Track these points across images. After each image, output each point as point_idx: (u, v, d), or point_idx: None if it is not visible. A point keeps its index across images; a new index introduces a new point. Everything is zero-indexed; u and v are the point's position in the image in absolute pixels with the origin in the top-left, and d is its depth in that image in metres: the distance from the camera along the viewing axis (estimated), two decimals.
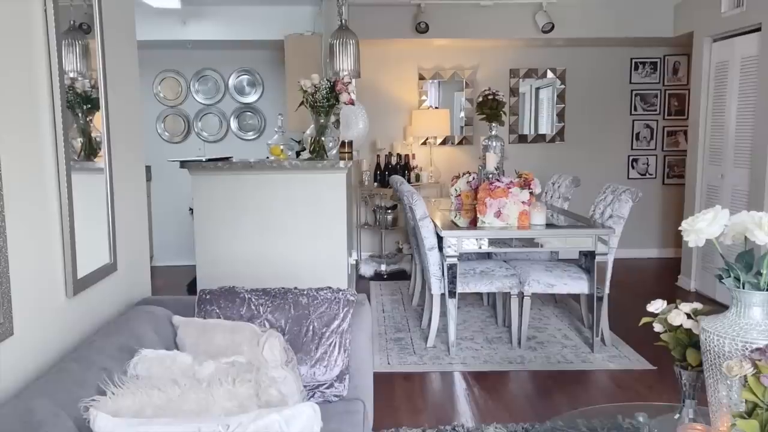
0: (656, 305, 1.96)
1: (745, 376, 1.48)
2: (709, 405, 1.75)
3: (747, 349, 1.58)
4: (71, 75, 2.14)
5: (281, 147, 4.18)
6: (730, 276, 1.68)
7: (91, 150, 2.33)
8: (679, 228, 1.81)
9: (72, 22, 2.16)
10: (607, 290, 4.22)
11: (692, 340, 1.86)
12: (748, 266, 1.66)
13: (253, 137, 6.99)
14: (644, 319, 1.99)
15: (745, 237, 1.68)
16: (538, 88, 7.15)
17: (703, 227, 1.70)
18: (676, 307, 1.91)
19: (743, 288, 1.65)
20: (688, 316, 1.87)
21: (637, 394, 3.60)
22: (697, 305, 1.90)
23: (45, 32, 1.96)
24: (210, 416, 1.67)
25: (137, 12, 2.88)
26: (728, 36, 5.39)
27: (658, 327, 1.95)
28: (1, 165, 1.68)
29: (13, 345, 1.75)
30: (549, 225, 4.21)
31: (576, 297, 4.92)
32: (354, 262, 5.49)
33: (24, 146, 1.84)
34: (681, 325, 1.87)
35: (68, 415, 1.58)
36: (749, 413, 1.45)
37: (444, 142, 7.03)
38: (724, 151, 5.42)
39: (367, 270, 6.54)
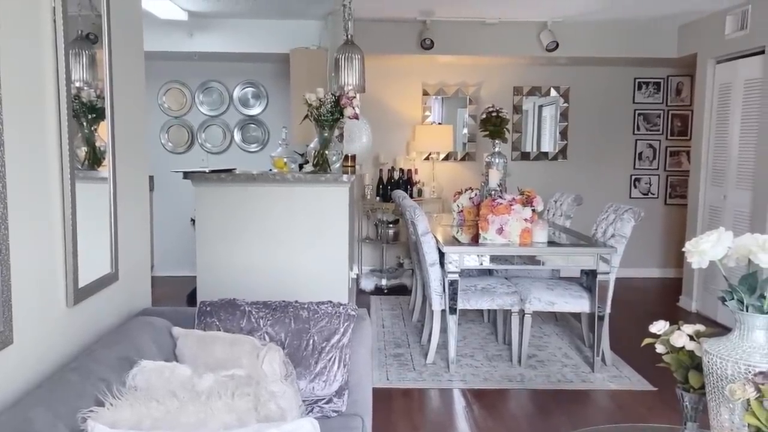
0: (658, 326, 1.95)
1: (748, 399, 1.47)
2: (711, 428, 1.73)
3: (750, 372, 1.57)
4: (77, 84, 2.15)
5: (284, 160, 4.20)
6: (733, 298, 1.67)
7: (95, 159, 2.33)
8: (683, 249, 1.80)
9: (80, 32, 2.17)
10: (608, 309, 4.20)
11: (694, 362, 1.85)
12: (752, 289, 1.65)
13: (256, 149, 7.00)
14: (646, 340, 1.97)
15: (749, 259, 1.68)
16: (541, 106, 7.17)
17: (707, 249, 1.69)
18: (679, 329, 1.90)
19: (747, 311, 1.64)
20: (691, 337, 1.86)
21: (638, 415, 3.58)
22: (700, 327, 1.89)
23: (53, 41, 1.97)
24: (208, 429, 1.66)
25: (144, 23, 2.89)
26: (732, 58, 5.41)
27: (660, 348, 1.93)
28: (6, 172, 1.68)
29: (13, 354, 1.74)
30: (551, 243, 4.21)
31: (577, 315, 4.90)
32: (355, 276, 5.47)
33: (29, 154, 1.85)
34: (683, 347, 1.86)
35: (66, 425, 1.57)
36: None
37: (447, 158, 7.04)
38: (726, 172, 5.42)
39: (367, 284, 6.52)
